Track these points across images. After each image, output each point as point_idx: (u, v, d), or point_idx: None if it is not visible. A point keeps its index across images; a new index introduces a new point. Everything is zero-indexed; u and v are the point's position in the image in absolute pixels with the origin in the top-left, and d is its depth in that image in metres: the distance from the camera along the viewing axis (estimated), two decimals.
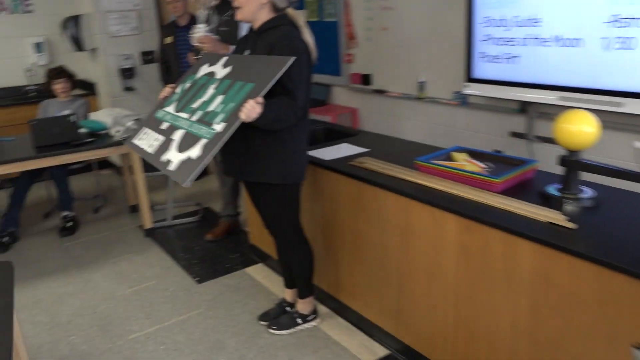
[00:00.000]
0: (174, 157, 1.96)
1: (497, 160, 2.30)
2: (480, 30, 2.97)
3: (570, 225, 1.70)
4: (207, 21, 3.46)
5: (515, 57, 2.80)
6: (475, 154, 2.38)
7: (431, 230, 2.09)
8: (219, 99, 2.03)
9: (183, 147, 1.97)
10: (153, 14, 5.22)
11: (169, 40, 4.33)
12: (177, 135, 2.06)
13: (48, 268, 3.51)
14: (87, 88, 5.52)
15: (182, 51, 4.26)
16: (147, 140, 2.21)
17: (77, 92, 5.36)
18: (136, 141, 2.29)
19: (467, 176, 2.11)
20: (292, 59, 1.92)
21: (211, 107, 2.02)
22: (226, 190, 3.85)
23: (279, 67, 1.91)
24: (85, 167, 5.15)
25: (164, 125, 2.20)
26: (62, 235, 3.93)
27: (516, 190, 2.03)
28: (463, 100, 3.60)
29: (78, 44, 5.05)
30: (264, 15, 2.19)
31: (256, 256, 3.51)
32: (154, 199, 4.59)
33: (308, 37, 2.22)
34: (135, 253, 3.69)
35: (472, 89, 3.13)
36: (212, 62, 2.33)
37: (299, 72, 2.09)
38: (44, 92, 4.34)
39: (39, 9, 5.41)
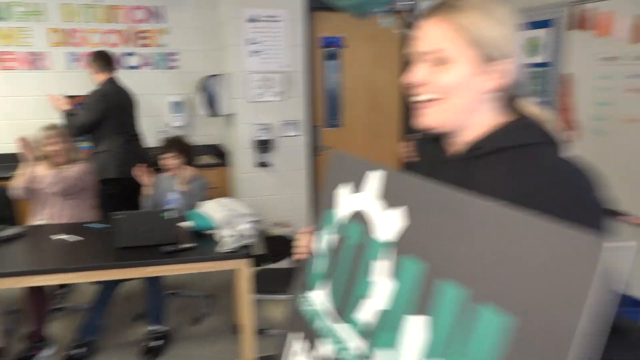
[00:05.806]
0: None
1: None
2: None
3: None
4: None
5: None
6: None
7: None
8: (425, 334, 0.78)
9: None
10: (303, 77, 4.33)
11: None
12: None
13: None
14: (221, 157, 4.74)
15: None
16: None
17: (211, 160, 4.61)
18: None
19: None
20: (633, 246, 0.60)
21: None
22: None
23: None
24: None
25: (325, 352, 1.03)
26: (142, 359, 2.96)
27: None
28: None
29: (213, 107, 4.31)
30: (485, 117, 0.97)
31: None
32: (267, 316, 3.48)
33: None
34: None
35: None
36: (356, 179, 1.06)
37: None
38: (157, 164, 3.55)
39: (184, 66, 4.83)
